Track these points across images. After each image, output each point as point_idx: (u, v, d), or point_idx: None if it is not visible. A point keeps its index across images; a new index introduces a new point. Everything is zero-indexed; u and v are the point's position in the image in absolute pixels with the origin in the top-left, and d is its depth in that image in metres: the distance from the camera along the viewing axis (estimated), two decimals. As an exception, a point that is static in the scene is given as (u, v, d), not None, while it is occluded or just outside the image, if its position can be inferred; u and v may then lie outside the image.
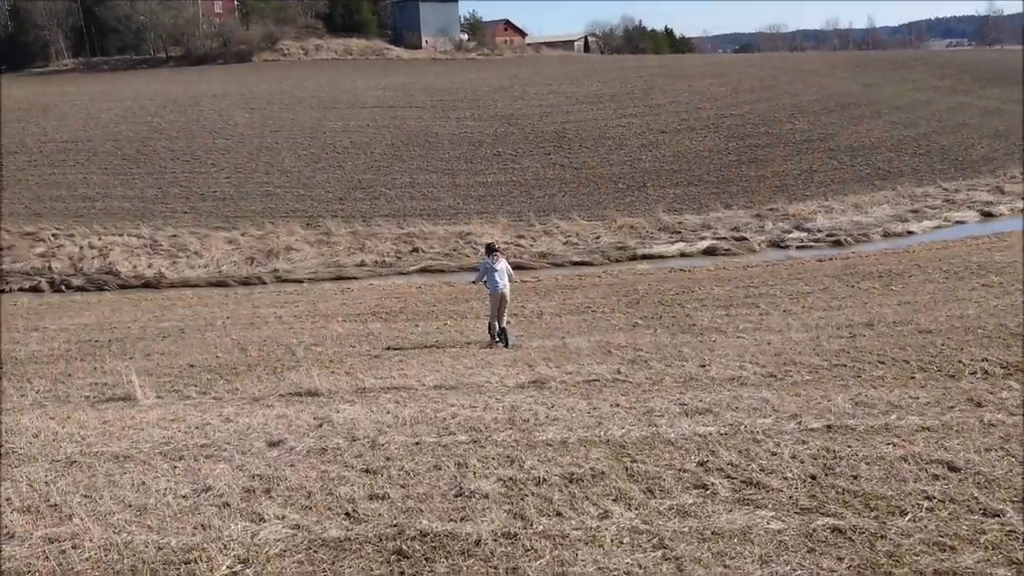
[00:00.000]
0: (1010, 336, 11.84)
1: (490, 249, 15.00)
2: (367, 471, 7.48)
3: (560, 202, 40.62)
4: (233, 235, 36.25)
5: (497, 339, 14.44)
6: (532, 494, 6.66)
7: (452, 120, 52.45)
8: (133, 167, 43.58)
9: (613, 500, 6.40)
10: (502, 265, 14.71)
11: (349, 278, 32.57)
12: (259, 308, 23.73)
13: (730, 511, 6.11)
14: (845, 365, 10.97)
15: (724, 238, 35.07)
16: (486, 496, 6.69)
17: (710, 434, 7.99)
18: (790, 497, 6.33)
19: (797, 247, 34.13)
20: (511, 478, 7.08)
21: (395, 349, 14.30)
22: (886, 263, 24.14)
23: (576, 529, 5.87)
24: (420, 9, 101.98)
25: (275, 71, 79.93)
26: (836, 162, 46.40)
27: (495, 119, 53.01)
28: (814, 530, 5.77)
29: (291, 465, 7.73)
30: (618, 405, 9.30)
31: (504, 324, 14.64)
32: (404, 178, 43.38)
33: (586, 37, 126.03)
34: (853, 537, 5.65)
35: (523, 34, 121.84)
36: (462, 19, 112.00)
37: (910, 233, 35.58)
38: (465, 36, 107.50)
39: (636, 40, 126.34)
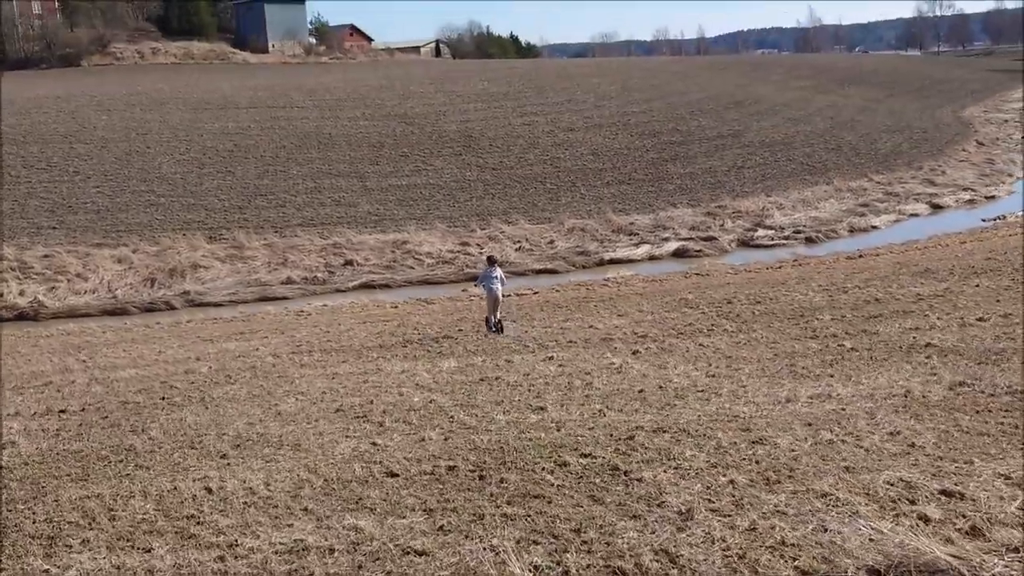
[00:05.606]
0: None
1: (491, 261, 17.61)
2: None
3: (491, 205, 36.66)
4: (122, 252, 30.03)
5: (493, 329, 16.40)
6: None
7: (343, 120, 47.35)
8: (-27, 178, 36.05)
9: None
10: (498, 273, 16.95)
11: (278, 298, 27.52)
12: (217, 343, 18.50)
13: None
14: None
15: (690, 238, 32.34)
16: None
17: None
18: None
19: (769, 245, 31.87)
20: None
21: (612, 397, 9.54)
22: (933, 256, 21.78)
23: None
24: (266, 11, 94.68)
25: (111, 75, 71.42)
26: (758, 158, 44.85)
27: (389, 119, 48.33)
28: None
29: None
30: None
31: (499, 318, 16.65)
32: (308, 183, 38.14)
33: (437, 42, 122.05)
34: None
35: (369, 39, 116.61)
36: (310, 22, 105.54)
37: (873, 228, 34.15)
38: (313, 40, 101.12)
39: (485, 46, 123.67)
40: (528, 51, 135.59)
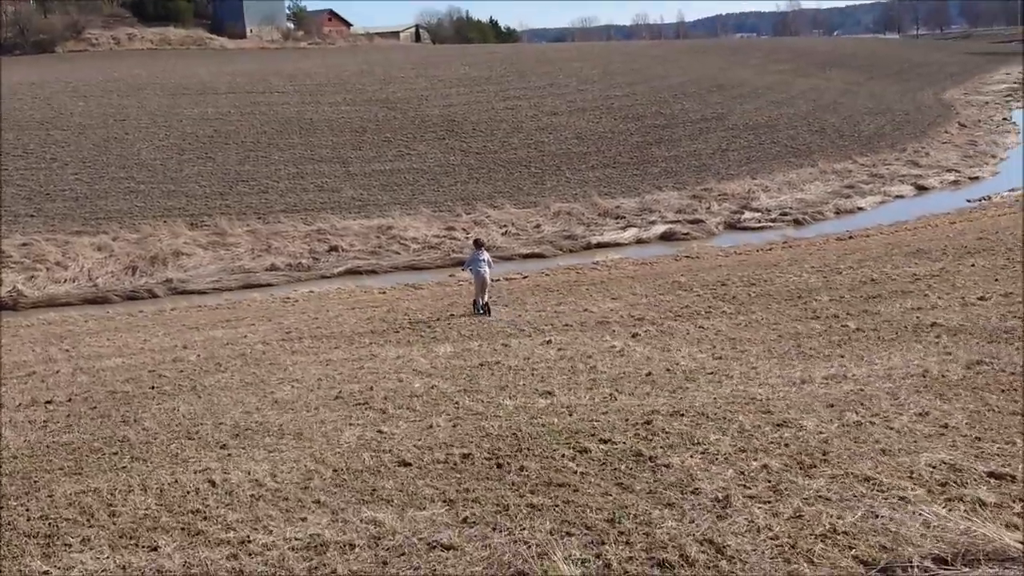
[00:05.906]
0: None
1: (478, 244, 17.92)
2: None
3: (476, 189, 36.28)
4: (102, 240, 29.45)
5: (481, 311, 16.66)
6: None
7: (324, 106, 46.78)
8: (-54, 166, 35.29)
9: None
10: (485, 256, 17.17)
11: (262, 285, 27.04)
12: (204, 331, 18.11)
13: None
14: None
15: (676, 221, 32.13)
16: None
17: None
18: None
19: (757, 227, 31.74)
20: None
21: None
22: (924, 237, 21.69)
23: None
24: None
25: (87, 61, 70.30)
26: (743, 141, 44.73)
27: (371, 103, 47.81)
28: None
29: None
30: None
31: (486, 300, 16.86)
32: (290, 168, 37.60)
33: (417, 27, 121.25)
34: None
35: (348, 24, 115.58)
36: (288, 7, 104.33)
37: (859, 209, 34.08)
38: (292, 25, 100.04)
39: (464, 30, 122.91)
40: (508, 36, 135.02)
